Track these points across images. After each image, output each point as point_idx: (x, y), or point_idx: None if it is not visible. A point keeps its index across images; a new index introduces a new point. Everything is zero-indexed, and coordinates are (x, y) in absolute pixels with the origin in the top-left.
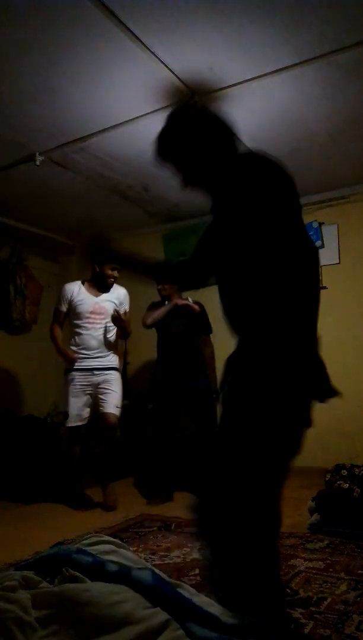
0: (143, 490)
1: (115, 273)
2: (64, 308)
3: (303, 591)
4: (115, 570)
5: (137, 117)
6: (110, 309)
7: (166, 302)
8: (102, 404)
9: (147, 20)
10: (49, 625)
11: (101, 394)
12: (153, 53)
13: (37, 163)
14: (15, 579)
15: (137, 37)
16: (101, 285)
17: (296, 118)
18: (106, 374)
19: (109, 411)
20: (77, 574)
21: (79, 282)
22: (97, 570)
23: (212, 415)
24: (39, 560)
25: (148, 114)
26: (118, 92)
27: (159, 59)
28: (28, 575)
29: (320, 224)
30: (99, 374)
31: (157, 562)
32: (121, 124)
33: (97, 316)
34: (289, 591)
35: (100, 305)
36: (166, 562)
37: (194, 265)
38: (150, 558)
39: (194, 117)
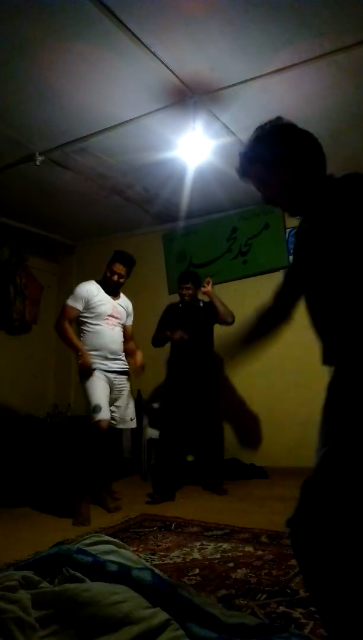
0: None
1: (123, 272)
2: (80, 306)
3: (303, 591)
4: (115, 570)
5: (137, 117)
6: (123, 314)
7: (180, 304)
8: (116, 415)
9: (147, 20)
10: (49, 625)
11: (117, 401)
12: (153, 53)
13: (37, 163)
14: (15, 579)
15: (137, 37)
16: (110, 289)
17: (296, 118)
18: (122, 379)
19: (123, 427)
20: (77, 574)
21: (95, 282)
22: (97, 570)
23: (216, 413)
24: (39, 560)
25: (148, 114)
26: (118, 92)
27: (159, 59)
28: (28, 575)
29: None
30: (116, 377)
31: (157, 562)
32: (121, 124)
33: (114, 319)
34: (289, 591)
35: (118, 309)
36: (166, 562)
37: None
38: (150, 558)
39: (287, 134)
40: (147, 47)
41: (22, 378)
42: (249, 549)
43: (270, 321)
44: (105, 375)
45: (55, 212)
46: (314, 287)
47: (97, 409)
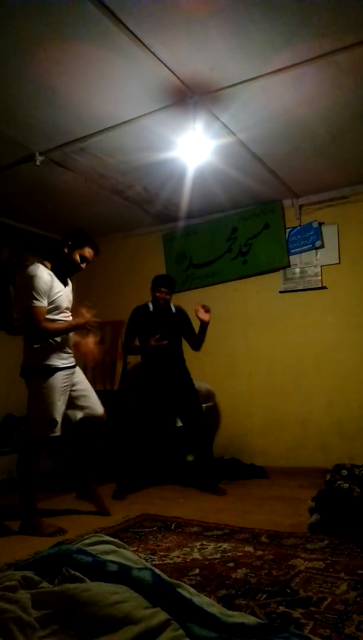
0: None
1: (92, 257)
2: (45, 302)
3: (303, 591)
4: (115, 570)
5: (137, 117)
6: (71, 301)
7: (151, 306)
8: (89, 404)
9: (147, 20)
10: (49, 625)
11: (82, 394)
12: (152, 53)
13: (37, 163)
14: (15, 579)
15: (137, 37)
16: (64, 274)
17: (296, 118)
18: (78, 371)
19: (102, 411)
20: (77, 573)
21: (45, 268)
22: (97, 570)
23: (200, 412)
24: (39, 560)
25: (148, 114)
26: (118, 92)
27: (159, 58)
28: (28, 575)
29: (320, 224)
30: (74, 370)
31: (157, 562)
32: (121, 124)
33: (69, 311)
34: (289, 591)
35: (70, 298)
36: (166, 562)
37: None
38: (150, 558)
39: None
40: (147, 47)
41: (22, 378)
42: (249, 549)
43: None
44: (68, 379)
45: (55, 212)
46: None
47: (53, 424)
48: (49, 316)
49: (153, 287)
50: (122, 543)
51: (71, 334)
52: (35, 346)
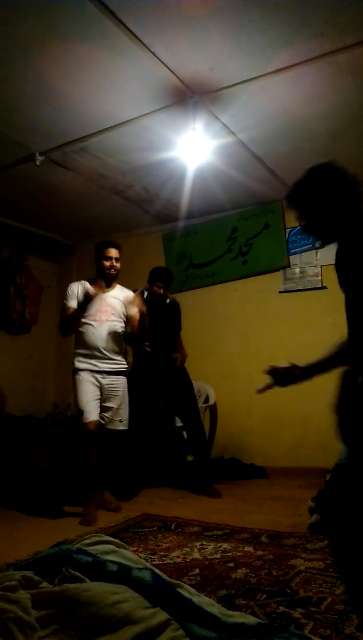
0: (114, 489)
1: (113, 261)
2: (74, 304)
3: (303, 591)
4: (115, 570)
5: (137, 117)
6: (118, 306)
7: (145, 294)
8: (106, 416)
9: (147, 20)
10: (49, 625)
11: (110, 405)
12: (153, 53)
13: (37, 163)
14: (15, 579)
15: (137, 37)
16: (104, 281)
17: (296, 118)
18: (113, 379)
19: (121, 428)
20: (77, 573)
21: (85, 282)
22: (97, 570)
23: (195, 409)
24: (39, 560)
25: (147, 114)
26: (118, 92)
27: (159, 59)
28: (28, 575)
29: None
30: (106, 377)
31: (157, 562)
32: (121, 124)
33: (104, 314)
34: (289, 591)
35: (108, 302)
36: (166, 562)
37: None
38: (150, 558)
39: (333, 176)
40: (147, 47)
41: (22, 378)
42: (249, 549)
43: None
44: (93, 377)
45: (55, 212)
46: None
47: (80, 413)
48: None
49: (150, 280)
50: (122, 543)
51: (100, 342)
52: (72, 352)
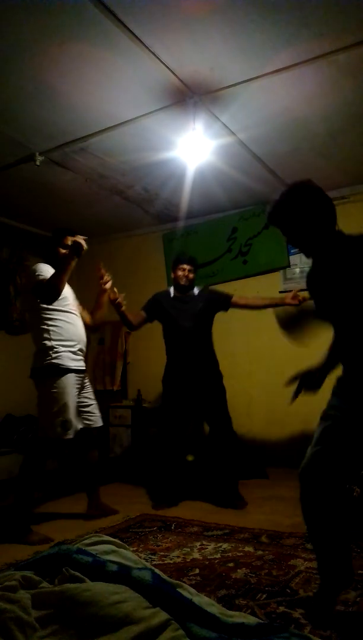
0: (151, 494)
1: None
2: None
3: (303, 591)
4: (115, 570)
5: (137, 117)
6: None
7: (172, 292)
8: (90, 417)
9: (147, 20)
10: (49, 625)
11: (87, 403)
12: (153, 53)
13: (37, 163)
14: (15, 579)
15: (137, 37)
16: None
17: (296, 118)
18: (85, 377)
19: (100, 424)
20: (78, 574)
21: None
22: (98, 570)
23: (227, 416)
24: (39, 560)
25: (148, 114)
26: (118, 92)
27: (159, 59)
28: (28, 575)
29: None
30: (83, 376)
31: (157, 562)
32: (121, 124)
33: (75, 302)
34: (289, 591)
35: (73, 295)
36: (166, 562)
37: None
38: (150, 558)
39: (311, 196)
40: (147, 47)
41: (22, 378)
42: (249, 549)
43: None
44: (78, 379)
45: (55, 212)
46: (337, 306)
47: (68, 425)
48: (61, 308)
49: (174, 267)
50: (122, 543)
51: (83, 335)
52: (48, 344)
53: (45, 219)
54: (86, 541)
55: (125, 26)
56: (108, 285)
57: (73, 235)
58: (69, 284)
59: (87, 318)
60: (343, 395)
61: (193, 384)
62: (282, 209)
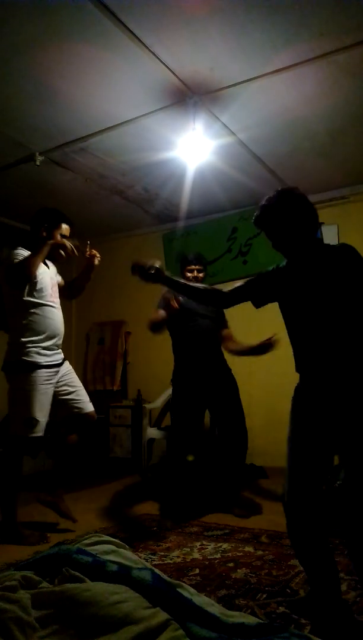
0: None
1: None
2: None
3: (303, 591)
4: (115, 570)
5: (137, 117)
6: (56, 281)
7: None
8: (78, 403)
9: (147, 20)
10: (49, 625)
11: (70, 390)
12: (153, 53)
13: (37, 163)
14: (15, 579)
15: (137, 37)
16: (48, 256)
17: (296, 118)
18: (65, 365)
19: (92, 409)
20: (78, 573)
21: (24, 249)
22: (97, 570)
23: (242, 416)
24: (39, 560)
25: (147, 114)
26: (118, 92)
27: (159, 59)
28: (28, 575)
29: (320, 224)
30: (61, 368)
31: (157, 562)
32: (121, 124)
33: (55, 295)
34: (289, 591)
35: (54, 281)
36: (166, 562)
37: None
38: (150, 558)
39: (295, 201)
40: (147, 47)
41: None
42: (249, 549)
43: (213, 296)
44: (50, 375)
45: None
46: (307, 311)
47: (33, 422)
48: (37, 300)
49: (182, 268)
50: (122, 543)
51: (61, 328)
52: (21, 340)
53: None
54: (86, 541)
55: (125, 26)
56: (96, 261)
57: (69, 225)
58: (55, 265)
59: (66, 289)
60: (302, 409)
61: (209, 382)
62: (268, 213)
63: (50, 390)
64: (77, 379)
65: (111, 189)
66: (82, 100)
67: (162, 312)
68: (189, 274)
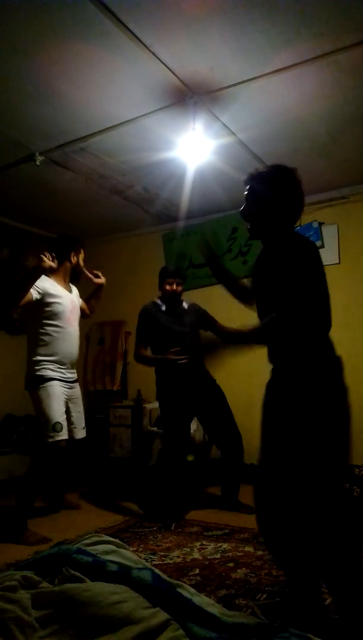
0: (147, 512)
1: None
2: (35, 294)
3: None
4: (115, 570)
5: (137, 117)
6: (78, 304)
7: (161, 304)
8: (73, 427)
9: (147, 20)
10: (49, 625)
11: (73, 413)
12: (153, 53)
13: (37, 163)
14: (15, 579)
15: (137, 37)
16: (71, 279)
17: (296, 118)
18: (75, 386)
19: (83, 435)
20: (78, 574)
21: (44, 277)
22: (97, 570)
23: (232, 420)
24: (39, 560)
25: (147, 114)
26: (118, 92)
27: (159, 59)
28: (28, 575)
29: (320, 224)
30: (71, 386)
31: (157, 562)
32: (121, 124)
33: (74, 316)
34: (289, 591)
35: (75, 304)
36: (166, 562)
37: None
38: (150, 558)
39: (290, 180)
40: (147, 47)
41: (22, 378)
42: (249, 549)
43: (242, 291)
44: (62, 387)
45: (55, 212)
46: (261, 300)
47: (57, 427)
48: (51, 321)
49: (161, 280)
50: (122, 543)
51: (75, 351)
52: (33, 359)
53: (45, 219)
54: (86, 541)
55: (125, 26)
56: (102, 280)
57: (83, 247)
58: (75, 286)
59: (86, 309)
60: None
61: (193, 395)
62: (257, 180)
63: (63, 399)
64: (82, 404)
65: (111, 189)
66: (82, 100)
67: (149, 353)
68: (168, 287)
